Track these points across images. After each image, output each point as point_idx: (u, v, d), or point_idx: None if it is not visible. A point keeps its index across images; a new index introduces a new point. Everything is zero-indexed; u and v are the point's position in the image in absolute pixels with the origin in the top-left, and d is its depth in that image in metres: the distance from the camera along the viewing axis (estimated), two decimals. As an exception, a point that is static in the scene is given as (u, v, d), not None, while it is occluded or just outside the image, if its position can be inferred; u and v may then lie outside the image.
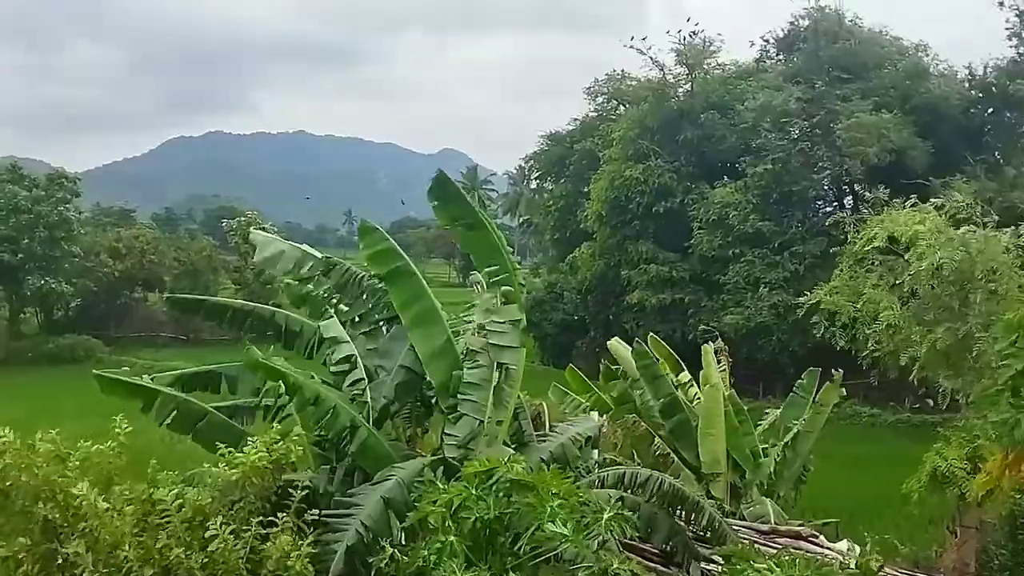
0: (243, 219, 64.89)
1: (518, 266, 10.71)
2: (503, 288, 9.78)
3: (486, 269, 10.01)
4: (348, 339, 10.42)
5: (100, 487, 8.19)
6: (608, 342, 18.77)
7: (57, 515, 7.89)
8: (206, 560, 7.75)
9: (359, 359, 10.23)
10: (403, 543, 8.10)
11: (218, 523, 7.75)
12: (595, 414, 15.15)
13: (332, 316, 10.90)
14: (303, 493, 8.27)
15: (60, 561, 7.75)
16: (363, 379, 10.04)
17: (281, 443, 8.55)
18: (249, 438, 8.68)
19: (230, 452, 8.35)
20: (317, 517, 8.28)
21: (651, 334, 19.97)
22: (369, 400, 9.86)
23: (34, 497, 7.95)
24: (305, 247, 11.79)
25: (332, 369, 10.32)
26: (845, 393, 17.96)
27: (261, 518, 8.11)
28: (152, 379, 10.66)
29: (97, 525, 7.75)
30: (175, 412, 10.08)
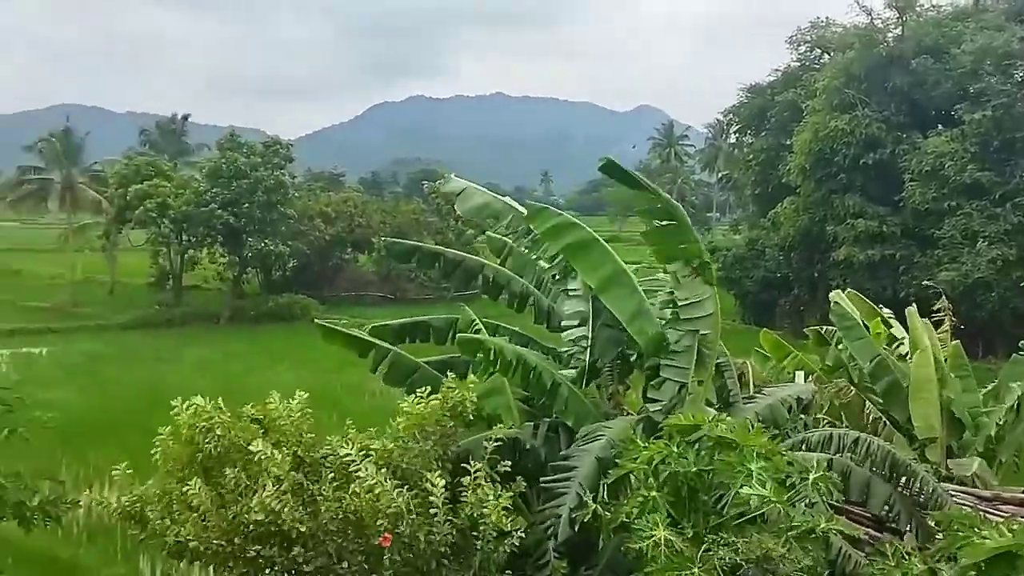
0: (442, 181, 66.60)
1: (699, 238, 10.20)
2: (694, 261, 9.56)
3: (679, 247, 9.73)
4: (582, 296, 10.39)
5: (291, 444, 8.73)
6: (831, 294, 18.00)
7: (244, 476, 8.47)
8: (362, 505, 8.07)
9: (588, 317, 10.24)
10: (605, 499, 8.20)
11: (384, 481, 8.04)
12: (800, 376, 14.74)
13: (572, 274, 10.77)
14: (495, 445, 8.49)
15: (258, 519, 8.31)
16: (586, 337, 10.07)
17: (457, 392, 8.82)
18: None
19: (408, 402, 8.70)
20: (509, 469, 8.49)
21: (850, 291, 19.07)
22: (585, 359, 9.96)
23: (232, 461, 8.59)
24: (508, 199, 11.84)
25: (563, 323, 10.41)
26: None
27: (443, 468, 8.42)
28: (368, 330, 11.19)
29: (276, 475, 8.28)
30: (390, 364, 10.52)
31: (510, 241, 12.05)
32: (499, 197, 11.80)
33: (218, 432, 8.51)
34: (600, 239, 10.14)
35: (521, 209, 11.48)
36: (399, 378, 10.62)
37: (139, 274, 61.18)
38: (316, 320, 10.96)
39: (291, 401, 8.97)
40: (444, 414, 8.69)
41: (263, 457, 8.25)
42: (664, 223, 9.40)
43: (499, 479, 8.44)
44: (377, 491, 7.93)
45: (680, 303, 9.51)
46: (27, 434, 9.13)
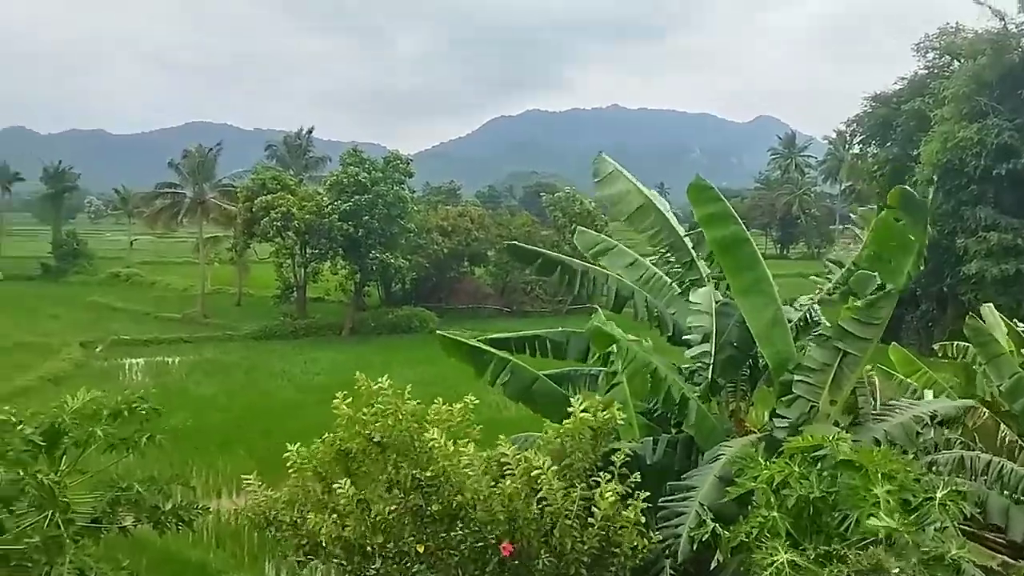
0: (560, 195, 66.86)
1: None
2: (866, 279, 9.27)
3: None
4: (709, 311, 10.06)
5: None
6: (982, 308, 17.18)
7: (417, 470, 8.59)
8: (538, 513, 8.15)
9: (712, 333, 9.93)
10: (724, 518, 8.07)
11: (552, 482, 8.10)
12: (930, 394, 14.17)
13: (704, 284, 10.55)
14: (624, 459, 8.45)
15: (425, 514, 8.45)
16: (709, 352, 9.78)
17: (605, 412, 8.78)
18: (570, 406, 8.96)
19: (560, 420, 8.70)
20: (638, 481, 8.43)
21: (986, 306, 18.21)
22: (708, 375, 9.74)
23: (400, 450, 8.72)
24: (653, 193, 11.46)
25: (687, 336, 10.14)
26: None
27: (586, 481, 8.41)
28: (486, 342, 11.24)
29: (448, 468, 8.36)
30: (509, 376, 10.54)
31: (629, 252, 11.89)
32: (644, 190, 11.33)
33: (389, 422, 8.62)
34: (751, 240, 9.71)
35: (663, 205, 11.19)
36: (518, 390, 10.63)
37: (266, 286, 63.20)
38: (437, 332, 11.06)
39: (453, 405, 9.06)
40: (590, 430, 8.69)
41: (435, 445, 8.33)
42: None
43: (628, 492, 8.44)
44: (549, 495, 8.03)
45: (845, 319, 9.18)
46: (162, 441, 9.51)
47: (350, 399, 9.05)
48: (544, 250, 13.23)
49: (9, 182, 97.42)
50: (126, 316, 58.63)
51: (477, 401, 9.20)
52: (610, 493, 7.99)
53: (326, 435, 9.20)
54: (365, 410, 8.80)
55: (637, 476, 8.32)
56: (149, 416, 9.56)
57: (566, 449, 8.53)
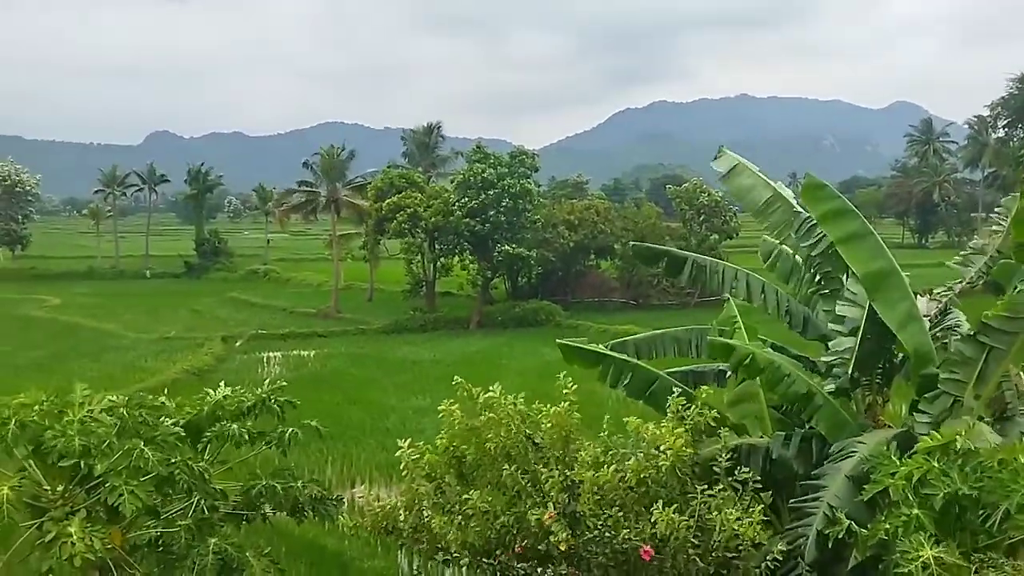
0: (686, 186, 65.98)
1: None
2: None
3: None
4: (863, 303, 9.69)
5: (559, 443, 8.87)
6: None
7: (523, 475, 8.68)
8: (653, 531, 8.12)
9: (860, 327, 9.61)
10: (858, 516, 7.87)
11: (660, 505, 8.12)
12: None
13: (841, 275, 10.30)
14: (727, 457, 8.36)
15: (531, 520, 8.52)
16: (853, 348, 9.51)
17: (693, 410, 8.75)
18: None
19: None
20: (758, 479, 8.32)
21: None
22: (847, 371, 9.48)
23: (504, 452, 8.82)
24: (780, 186, 11.26)
25: (833, 327, 9.92)
26: None
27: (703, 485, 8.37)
28: (608, 347, 11.23)
29: (559, 468, 8.42)
30: (630, 376, 10.52)
31: (778, 243, 11.66)
32: (770, 183, 11.15)
33: (502, 432, 8.75)
34: (875, 232, 9.48)
35: (791, 198, 11.00)
36: (639, 389, 10.59)
37: (396, 281, 64.49)
38: (557, 341, 11.05)
39: (560, 405, 9.13)
40: (681, 430, 8.64)
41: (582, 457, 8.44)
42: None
43: (741, 487, 8.33)
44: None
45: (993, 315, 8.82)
46: (299, 434, 9.83)
47: (456, 405, 9.20)
48: (670, 248, 13.11)
49: (156, 184, 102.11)
50: (264, 311, 60.76)
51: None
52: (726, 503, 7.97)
53: (438, 438, 9.38)
54: (481, 417, 8.94)
55: (755, 475, 8.26)
56: (285, 410, 9.91)
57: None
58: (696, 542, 8.08)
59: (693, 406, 8.99)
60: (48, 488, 8.40)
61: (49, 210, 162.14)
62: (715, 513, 8.09)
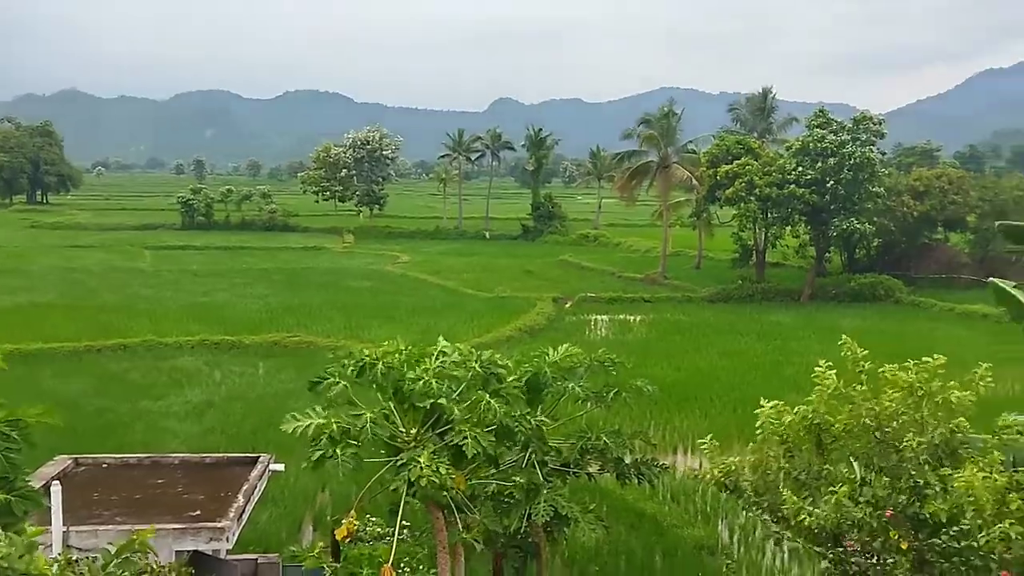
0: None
1: None
2: None
3: None
4: None
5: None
6: None
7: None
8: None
9: None
10: None
11: None
12: None
13: None
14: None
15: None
16: None
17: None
18: None
19: None
20: None
21: None
22: None
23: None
24: None
25: None
26: None
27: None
28: None
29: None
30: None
31: None
32: None
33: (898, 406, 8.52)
34: None
35: None
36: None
37: (724, 249, 63.66)
38: (990, 279, 9.87)
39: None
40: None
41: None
42: None
43: None
44: None
45: None
46: (629, 398, 10.09)
47: (834, 370, 8.93)
48: None
49: (498, 151, 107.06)
50: (593, 275, 62.31)
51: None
52: None
53: (801, 405, 9.15)
54: (857, 387, 8.64)
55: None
56: (617, 371, 10.19)
57: None
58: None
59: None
60: (403, 430, 9.26)
61: (403, 172, 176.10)
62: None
